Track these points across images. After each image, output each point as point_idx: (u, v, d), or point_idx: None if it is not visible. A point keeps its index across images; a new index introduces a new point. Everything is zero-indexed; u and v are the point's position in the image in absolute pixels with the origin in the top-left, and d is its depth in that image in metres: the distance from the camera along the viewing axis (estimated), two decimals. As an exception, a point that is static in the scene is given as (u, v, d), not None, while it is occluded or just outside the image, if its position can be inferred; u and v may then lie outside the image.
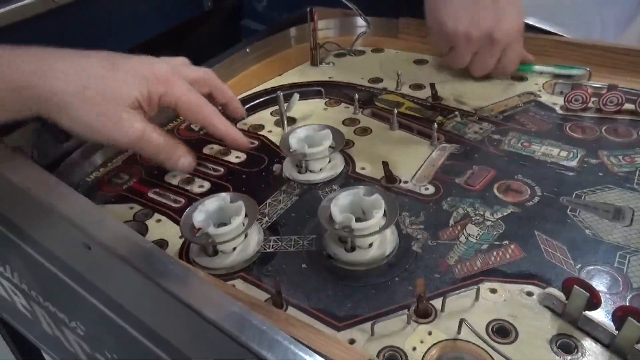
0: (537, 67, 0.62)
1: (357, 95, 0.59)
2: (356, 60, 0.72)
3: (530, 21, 0.65)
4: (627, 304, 0.34)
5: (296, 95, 0.56)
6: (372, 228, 0.39)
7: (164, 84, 0.44)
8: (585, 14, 0.65)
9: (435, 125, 0.52)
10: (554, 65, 0.62)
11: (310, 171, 0.49)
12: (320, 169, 0.49)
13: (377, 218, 0.39)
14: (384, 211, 0.40)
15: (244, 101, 0.61)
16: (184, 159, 0.47)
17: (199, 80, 0.49)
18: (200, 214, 0.40)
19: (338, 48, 0.73)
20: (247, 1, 0.93)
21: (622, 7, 0.66)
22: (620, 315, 0.31)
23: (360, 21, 0.74)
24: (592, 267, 0.38)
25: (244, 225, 0.40)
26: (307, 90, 0.63)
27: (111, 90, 0.42)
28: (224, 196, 0.42)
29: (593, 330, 0.33)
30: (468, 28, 0.56)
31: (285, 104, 0.55)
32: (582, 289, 0.32)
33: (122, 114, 0.42)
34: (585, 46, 0.63)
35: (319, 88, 0.63)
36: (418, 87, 0.63)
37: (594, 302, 0.32)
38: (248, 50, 0.70)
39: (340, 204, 0.40)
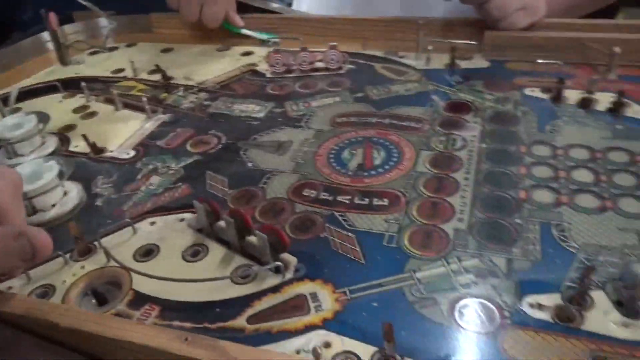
0: (244, 31, 0.73)
1: (84, 84, 0.62)
2: (108, 55, 0.75)
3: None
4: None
5: (14, 91, 0.58)
6: (41, 190, 0.42)
7: None
8: None
9: (145, 99, 0.57)
10: (258, 31, 0.72)
11: (21, 155, 0.51)
12: (31, 152, 0.52)
13: (45, 180, 0.42)
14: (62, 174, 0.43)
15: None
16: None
17: None
18: None
19: (89, 47, 0.76)
20: (18, 15, 0.93)
21: None
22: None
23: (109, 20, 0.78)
24: (240, 190, 0.44)
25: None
26: (44, 87, 0.65)
27: None
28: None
29: (221, 235, 0.39)
30: None
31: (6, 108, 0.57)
32: (201, 204, 0.38)
33: None
34: (300, 20, 0.72)
35: (56, 83, 0.65)
36: (155, 71, 0.68)
37: (214, 214, 0.39)
38: (-8, 58, 0.70)
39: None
